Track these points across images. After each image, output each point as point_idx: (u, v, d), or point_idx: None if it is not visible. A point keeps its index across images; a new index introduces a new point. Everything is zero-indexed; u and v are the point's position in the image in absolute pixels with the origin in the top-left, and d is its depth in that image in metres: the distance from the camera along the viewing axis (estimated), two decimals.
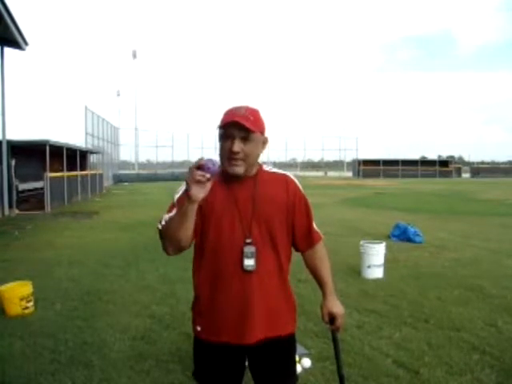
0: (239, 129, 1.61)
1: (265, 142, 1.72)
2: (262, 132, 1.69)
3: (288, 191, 1.76)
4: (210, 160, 1.46)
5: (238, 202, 1.68)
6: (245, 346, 1.70)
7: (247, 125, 1.60)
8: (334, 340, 1.92)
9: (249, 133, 1.62)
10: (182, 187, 1.64)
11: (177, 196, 1.68)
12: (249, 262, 1.66)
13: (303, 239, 1.83)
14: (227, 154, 1.64)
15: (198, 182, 1.44)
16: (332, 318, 1.86)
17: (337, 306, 1.87)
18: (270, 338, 1.72)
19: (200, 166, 1.45)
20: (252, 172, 1.71)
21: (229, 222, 1.67)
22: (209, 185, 1.47)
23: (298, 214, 1.79)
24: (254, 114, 1.65)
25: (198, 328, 1.76)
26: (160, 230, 1.64)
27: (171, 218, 1.60)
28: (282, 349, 1.79)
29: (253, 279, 1.68)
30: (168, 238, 1.60)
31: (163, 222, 1.63)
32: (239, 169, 1.65)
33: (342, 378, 1.94)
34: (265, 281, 1.70)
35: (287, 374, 1.83)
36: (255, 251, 1.67)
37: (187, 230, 1.55)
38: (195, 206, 1.51)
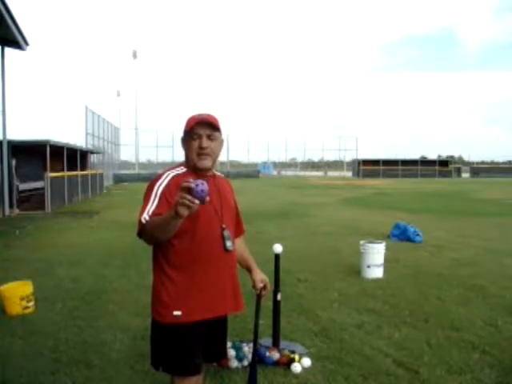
0: (205, 128, 1.91)
1: (222, 142, 2.02)
2: (221, 133, 1.99)
3: (232, 191, 2.17)
4: (201, 183, 1.58)
5: (211, 197, 1.85)
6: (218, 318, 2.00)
7: (214, 122, 1.92)
8: (259, 303, 2.28)
9: (213, 131, 1.93)
10: (166, 179, 1.91)
11: (161, 188, 1.88)
12: (229, 243, 1.98)
13: (236, 229, 2.18)
14: (196, 151, 1.92)
15: (186, 205, 1.57)
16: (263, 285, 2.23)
17: (264, 275, 2.26)
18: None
19: (189, 188, 1.57)
20: (212, 171, 2.02)
21: (205, 212, 1.87)
22: (196, 206, 1.59)
23: (236, 207, 2.19)
24: (213, 117, 1.96)
25: (178, 313, 1.88)
26: (143, 225, 1.83)
27: (155, 223, 1.78)
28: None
29: (231, 256, 2.02)
30: (150, 235, 1.83)
31: (147, 218, 1.83)
32: (207, 162, 1.94)
33: (256, 334, 2.32)
34: (235, 258, 2.08)
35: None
36: (230, 234, 2.00)
37: (171, 234, 1.78)
38: (180, 221, 1.67)
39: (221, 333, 2.10)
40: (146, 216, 1.83)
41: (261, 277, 2.22)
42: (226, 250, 1.97)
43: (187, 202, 1.56)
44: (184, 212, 1.59)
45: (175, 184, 1.85)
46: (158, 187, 1.89)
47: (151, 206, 1.85)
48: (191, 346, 1.92)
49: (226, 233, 1.98)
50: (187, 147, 1.96)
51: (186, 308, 1.88)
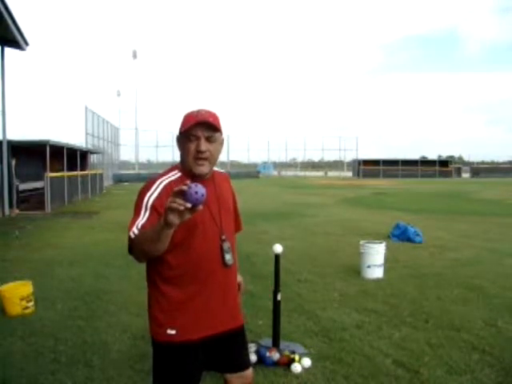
0: (204, 129, 1.69)
1: (222, 142, 1.81)
2: (222, 132, 1.77)
3: (230, 187, 1.99)
4: (196, 186, 1.37)
5: (209, 203, 1.71)
6: (221, 334, 1.82)
7: (214, 122, 1.70)
8: None
9: (213, 132, 1.72)
10: (157, 189, 1.71)
11: (152, 200, 1.68)
12: (229, 257, 1.79)
13: (235, 226, 2.00)
14: (194, 154, 1.71)
15: (176, 210, 1.37)
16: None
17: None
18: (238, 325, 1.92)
19: (183, 192, 1.37)
20: (211, 172, 1.81)
21: (202, 222, 1.72)
22: (188, 213, 1.40)
23: (235, 206, 2.01)
24: (213, 115, 1.74)
25: (172, 332, 1.73)
26: (132, 239, 1.63)
27: (145, 236, 1.57)
28: (243, 335, 1.97)
29: (230, 271, 1.84)
30: (140, 250, 1.62)
31: (136, 231, 1.63)
32: (205, 168, 1.74)
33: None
34: (235, 271, 1.91)
35: (248, 359, 2.00)
36: (230, 246, 1.81)
37: (163, 246, 1.56)
38: (172, 230, 1.47)
39: (234, 345, 1.91)
40: (135, 230, 1.63)
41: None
42: (224, 264, 1.78)
43: (176, 206, 1.35)
44: (174, 219, 1.39)
45: (167, 193, 1.59)
46: (149, 198, 1.70)
47: (141, 220, 1.66)
48: (186, 366, 1.78)
49: (226, 245, 1.78)
50: (183, 149, 1.75)
51: (180, 326, 1.74)
